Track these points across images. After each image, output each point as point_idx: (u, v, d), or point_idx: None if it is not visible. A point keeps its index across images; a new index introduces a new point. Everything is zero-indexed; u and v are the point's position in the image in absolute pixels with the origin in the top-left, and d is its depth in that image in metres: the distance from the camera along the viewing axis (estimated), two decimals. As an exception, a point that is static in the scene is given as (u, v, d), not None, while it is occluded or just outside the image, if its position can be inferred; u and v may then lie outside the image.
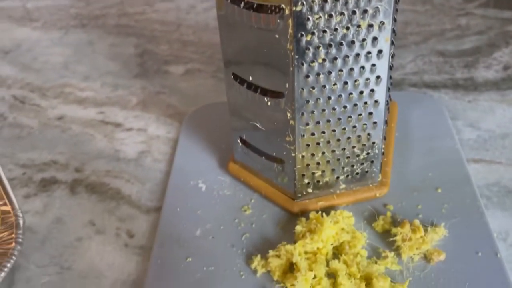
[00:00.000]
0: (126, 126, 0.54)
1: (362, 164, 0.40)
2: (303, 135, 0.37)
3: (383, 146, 0.41)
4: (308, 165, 0.39)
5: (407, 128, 0.47)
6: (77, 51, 0.68)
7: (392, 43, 0.35)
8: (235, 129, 0.42)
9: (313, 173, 0.39)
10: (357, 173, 0.40)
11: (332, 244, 0.38)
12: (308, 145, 0.38)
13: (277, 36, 0.33)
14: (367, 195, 0.41)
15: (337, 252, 0.38)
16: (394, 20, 0.36)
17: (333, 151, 0.38)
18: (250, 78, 0.37)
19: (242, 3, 0.34)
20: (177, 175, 0.46)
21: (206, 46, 0.66)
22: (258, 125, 0.39)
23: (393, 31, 0.35)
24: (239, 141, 0.43)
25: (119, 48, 0.67)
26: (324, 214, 0.39)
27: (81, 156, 0.51)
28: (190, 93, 0.58)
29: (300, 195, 0.41)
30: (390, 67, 0.37)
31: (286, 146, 0.38)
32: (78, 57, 0.66)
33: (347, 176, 0.40)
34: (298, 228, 0.38)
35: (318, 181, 0.40)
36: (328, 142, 0.38)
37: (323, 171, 0.40)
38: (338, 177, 0.40)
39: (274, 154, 0.40)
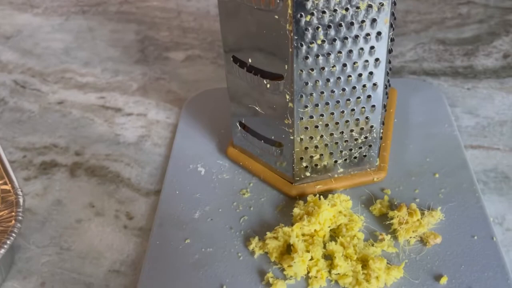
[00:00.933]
0: (126, 111, 0.54)
1: (360, 148, 0.40)
2: (302, 118, 0.37)
3: (382, 131, 0.41)
4: (306, 148, 0.39)
5: (405, 114, 0.48)
6: (77, 37, 0.68)
7: (391, 26, 0.36)
8: (234, 113, 0.43)
9: (311, 157, 0.40)
10: (355, 157, 0.41)
11: (329, 227, 0.38)
12: (306, 128, 0.38)
13: (276, 17, 0.33)
14: (364, 180, 0.41)
15: (334, 234, 0.38)
16: (394, 3, 0.36)
17: (331, 134, 0.39)
18: (250, 61, 0.37)
19: None
20: (177, 159, 0.46)
21: (206, 32, 0.66)
22: (257, 108, 0.39)
23: (393, 14, 0.35)
24: (238, 125, 0.43)
25: (120, 35, 0.67)
26: (322, 197, 0.39)
27: (81, 140, 0.51)
28: (190, 79, 0.58)
29: (298, 178, 0.41)
30: (390, 51, 0.37)
31: (284, 129, 0.38)
32: (78, 43, 0.66)
33: (345, 160, 0.41)
34: (296, 210, 0.39)
35: (316, 165, 0.40)
36: (327, 125, 0.38)
37: (321, 155, 0.40)
38: (336, 161, 0.40)
39: (272, 137, 0.40)
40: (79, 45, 0.66)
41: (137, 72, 0.60)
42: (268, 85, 0.37)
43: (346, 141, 0.39)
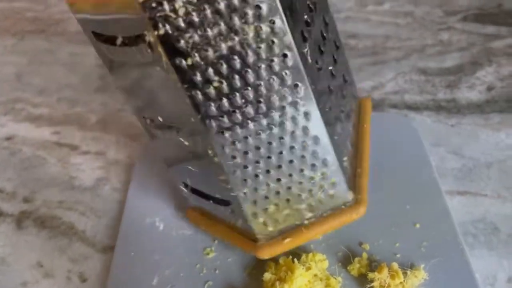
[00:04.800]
0: (83, 149, 0.49)
1: (322, 186, 0.34)
2: (235, 171, 0.31)
3: (345, 158, 0.34)
4: (255, 202, 0.33)
5: (382, 155, 0.44)
6: (33, 60, 0.62)
7: (323, 43, 0.31)
8: (175, 175, 0.37)
9: (266, 209, 0.34)
10: (320, 198, 0.34)
11: (304, 294, 0.34)
12: (245, 180, 0.32)
13: (158, 68, 0.28)
14: (342, 220, 0.35)
15: (310, 302, 0.34)
16: (325, 23, 0.32)
17: (279, 180, 0.32)
18: (160, 119, 0.32)
19: (107, 40, 0.29)
20: (131, 212, 0.41)
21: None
22: (190, 168, 0.34)
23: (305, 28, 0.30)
24: (182, 187, 0.37)
25: (80, 58, 0.62)
26: (295, 259, 0.35)
27: (31, 183, 0.46)
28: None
29: (261, 236, 0.35)
30: (318, 67, 0.31)
31: (224, 186, 0.32)
32: (33, 67, 0.61)
33: (309, 203, 0.34)
34: (267, 275, 0.35)
35: (276, 217, 0.34)
36: (268, 171, 0.32)
37: (276, 205, 0.34)
38: (298, 208, 0.34)
39: (218, 196, 0.35)
40: (34, 70, 0.60)
41: (97, 102, 0.55)
42: (186, 142, 0.32)
43: (300, 182, 0.33)
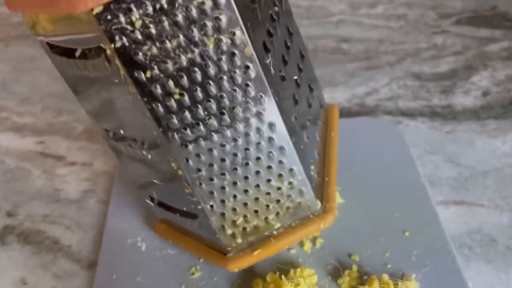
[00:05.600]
0: (68, 160, 0.48)
1: (289, 196, 0.33)
2: (200, 184, 0.30)
3: (313, 167, 0.34)
4: (223, 214, 0.32)
5: (368, 162, 0.43)
6: (17, 67, 0.60)
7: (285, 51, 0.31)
8: (141, 189, 0.36)
9: (234, 221, 0.33)
10: (288, 208, 0.33)
11: (294, 312, 0.33)
12: (211, 192, 0.31)
13: (116, 80, 0.27)
14: (310, 229, 0.34)
15: (301, 319, 0.33)
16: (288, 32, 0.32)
17: (246, 191, 0.32)
18: (122, 132, 0.31)
19: (63, 52, 0.28)
20: (112, 233, 0.39)
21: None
22: (155, 181, 0.33)
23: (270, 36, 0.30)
24: (149, 201, 0.36)
25: (66, 64, 0.60)
26: (283, 276, 0.34)
27: (14, 196, 0.44)
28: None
29: (230, 248, 0.34)
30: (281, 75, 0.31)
31: (190, 198, 0.32)
32: (17, 75, 0.59)
33: (277, 214, 0.33)
34: (255, 294, 0.34)
35: (245, 228, 0.34)
36: (235, 183, 0.31)
37: (244, 216, 0.33)
38: (266, 218, 0.33)
39: (184, 208, 0.33)
40: (18, 78, 0.59)
41: (82, 111, 0.53)
42: (149, 156, 0.31)
43: (267, 193, 0.32)
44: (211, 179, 0.30)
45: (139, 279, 0.36)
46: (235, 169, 0.30)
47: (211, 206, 0.32)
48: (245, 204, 0.32)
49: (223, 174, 0.30)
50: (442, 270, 0.35)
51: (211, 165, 0.30)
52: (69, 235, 0.41)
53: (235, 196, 0.32)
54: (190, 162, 0.29)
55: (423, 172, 0.43)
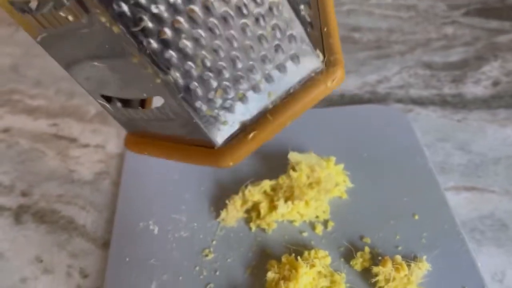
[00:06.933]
0: (82, 142, 0.48)
1: (278, 47, 0.25)
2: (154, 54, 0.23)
3: (303, 7, 0.27)
4: (188, 89, 0.24)
5: (377, 148, 0.44)
6: (29, 51, 0.60)
7: None
8: (89, 90, 0.29)
9: (209, 100, 0.24)
10: (278, 67, 0.25)
11: (309, 292, 0.33)
12: (167, 60, 0.23)
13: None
14: (315, 93, 0.26)
15: (316, 299, 0.34)
16: None
17: (215, 51, 0.23)
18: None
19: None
20: (123, 216, 0.40)
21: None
22: (96, 63, 0.25)
23: None
24: (102, 101, 0.28)
25: (77, 49, 0.61)
26: (298, 257, 0.34)
27: (29, 177, 0.45)
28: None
29: (218, 137, 0.26)
30: None
31: (147, 76, 0.24)
32: (29, 58, 0.59)
33: (267, 78, 0.25)
34: (270, 275, 0.34)
35: (227, 107, 0.25)
36: (196, 40, 0.23)
37: (225, 84, 0.24)
38: (255, 86, 0.25)
39: (144, 94, 0.26)
40: (30, 61, 0.59)
41: (95, 95, 0.54)
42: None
43: (250, 47, 0.24)
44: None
45: (152, 261, 0.36)
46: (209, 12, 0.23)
47: (175, 80, 0.23)
48: (220, 71, 0.24)
49: (196, 24, 0.23)
50: (452, 252, 0.36)
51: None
52: (83, 215, 0.41)
53: (203, 60, 0.24)
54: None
55: (434, 159, 0.44)
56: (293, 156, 0.40)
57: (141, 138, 0.30)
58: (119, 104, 0.28)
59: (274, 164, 0.42)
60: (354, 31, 0.61)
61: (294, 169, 0.39)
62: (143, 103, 0.29)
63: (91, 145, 0.48)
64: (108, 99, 0.28)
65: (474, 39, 0.58)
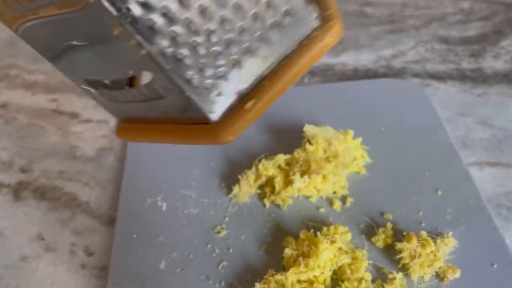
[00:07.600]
0: (83, 117, 0.46)
1: (269, 4, 0.23)
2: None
3: None
4: (178, 60, 0.22)
5: (395, 123, 0.42)
6: (26, 25, 0.58)
7: None
8: (72, 76, 0.28)
9: (201, 69, 0.23)
10: (273, 25, 0.24)
11: (330, 270, 0.31)
12: (151, 28, 0.21)
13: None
14: (313, 51, 0.25)
15: (336, 277, 0.32)
16: None
17: (201, 12, 0.22)
18: None
19: None
20: (130, 193, 0.38)
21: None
22: (75, 42, 0.24)
23: None
24: (86, 87, 0.27)
25: (77, 24, 0.58)
26: (318, 233, 0.32)
27: (28, 152, 0.42)
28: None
29: (211, 111, 0.24)
30: None
31: (127, 45, 0.22)
32: (27, 33, 0.57)
33: (261, 39, 0.24)
34: (288, 251, 0.32)
35: (221, 75, 0.23)
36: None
37: (216, 50, 0.23)
38: (248, 49, 0.23)
39: (131, 71, 0.24)
40: (28, 36, 0.56)
41: (97, 69, 0.51)
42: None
43: (240, 5, 0.23)
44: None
45: (161, 238, 0.34)
46: None
47: (163, 54, 0.22)
48: (208, 36, 0.22)
49: None
50: (479, 228, 0.34)
51: None
52: (87, 192, 0.39)
53: (189, 25, 0.22)
54: None
55: (455, 134, 0.42)
56: (309, 129, 0.38)
57: (133, 123, 0.29)
58: (104, 89, 0.27)
59: (288, 138, 0.40)
60: (366, 6, 0.58)
61: (310, 143, 0.37)
62: (131, 82, 0.26)
63: (94, 120, 0.45)
64: (94, 84, 0.27)
65: (491, 13, 0.56)
